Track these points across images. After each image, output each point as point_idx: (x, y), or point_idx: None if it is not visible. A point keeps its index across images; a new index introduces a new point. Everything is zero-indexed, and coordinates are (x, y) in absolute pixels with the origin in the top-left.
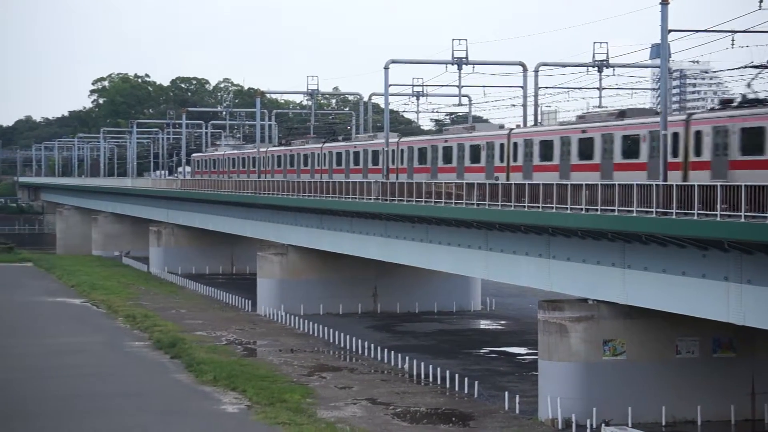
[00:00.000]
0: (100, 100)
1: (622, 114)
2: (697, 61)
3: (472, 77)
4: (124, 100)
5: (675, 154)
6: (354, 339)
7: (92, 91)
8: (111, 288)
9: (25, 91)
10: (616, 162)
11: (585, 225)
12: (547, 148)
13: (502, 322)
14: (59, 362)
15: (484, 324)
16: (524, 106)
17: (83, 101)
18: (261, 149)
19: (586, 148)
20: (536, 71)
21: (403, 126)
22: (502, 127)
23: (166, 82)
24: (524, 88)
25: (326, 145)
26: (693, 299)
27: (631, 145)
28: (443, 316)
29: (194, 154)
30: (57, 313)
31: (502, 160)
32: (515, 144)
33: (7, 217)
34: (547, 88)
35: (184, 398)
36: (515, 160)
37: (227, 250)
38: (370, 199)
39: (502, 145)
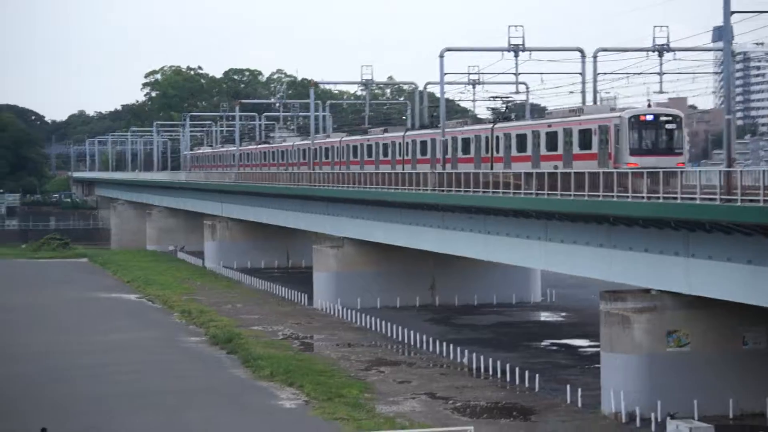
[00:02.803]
0: (153, 94)
1: (580, 110)
2: (762, 43)
3: (529, 64)
4: (177, 92)
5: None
6: (412, 332)
7: (144, 85)
8: (166, 283)
9: (77, 85)
10: (575, 153)
11: (647, 213)
12: (522, 141)
13: (563, 314)
14: (115, 358)
15: (544, 316)
16: (583, 92)
17: (136, 95)
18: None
19: (551, 141)
20: (595, 57)
21: (458, 115)
22: (491, 121)
23: (218, 74)
24: (582, 74)
25: (370, 136)
26: (760, 288)
27: (585, 138)
28: (502, 308)
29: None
30: (112, 309)
31: (487, 151)
32: (497, 137)
33: (61, 213)
34: (606, 74)
35: (241, 394)
36: (497, 151)
37: (282, 243)
38: (426, 190)
39: (487, 138)
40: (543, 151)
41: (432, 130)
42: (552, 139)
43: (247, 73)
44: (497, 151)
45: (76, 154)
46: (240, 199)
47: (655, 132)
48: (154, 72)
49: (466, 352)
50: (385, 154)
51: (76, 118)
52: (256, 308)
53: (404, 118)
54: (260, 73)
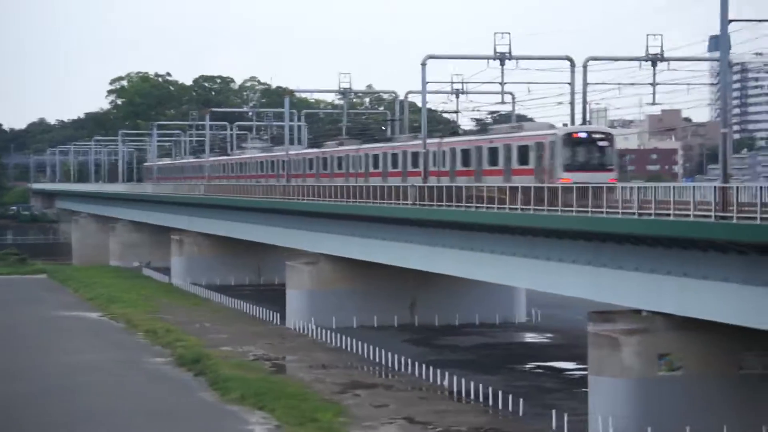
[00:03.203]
0: (118, 101)
1: (519, 127)
2: (761, 54)
3: (515, 73)
4: (144, 100)
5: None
6: (390, 354)
7: (110, 92)
8: (130, 301)
9: (38, 92)
10: (514, 168)
11: (638, 230)
12: (466, 155)
13: (549, 335)
14: (75, 380)
15: (529, 337)
16: (572, 103)
17: (100, 102)
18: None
19: (493, 156)
20: (585, 66)
21: (442, 126)
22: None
23: (188, 81)
24: (572, 84)
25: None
26: (757, 310)
27: (523, 154)
28: (485, 328)
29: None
30: (73, 328)
31: (435, 165)
32: (444, 152)
33: (19, 226)
34: (596, 84)
35: (208, 418)
36: (443, 165)
37: (254, 259)
38: (407, 204)
39: (434, 153)
40: (485, 165)
41: (384, 144)
42: (494, 154)
43: (218, 81)
44: (443, 165)
45: (36, 165)
46: (209, 212)
47: (587, 149)
48: (120, 78)
49: (447, 374)
50: (339, 167)
51: (35, 126)
52: (225, 327)
53: (384, 129)
54: (232, 81)
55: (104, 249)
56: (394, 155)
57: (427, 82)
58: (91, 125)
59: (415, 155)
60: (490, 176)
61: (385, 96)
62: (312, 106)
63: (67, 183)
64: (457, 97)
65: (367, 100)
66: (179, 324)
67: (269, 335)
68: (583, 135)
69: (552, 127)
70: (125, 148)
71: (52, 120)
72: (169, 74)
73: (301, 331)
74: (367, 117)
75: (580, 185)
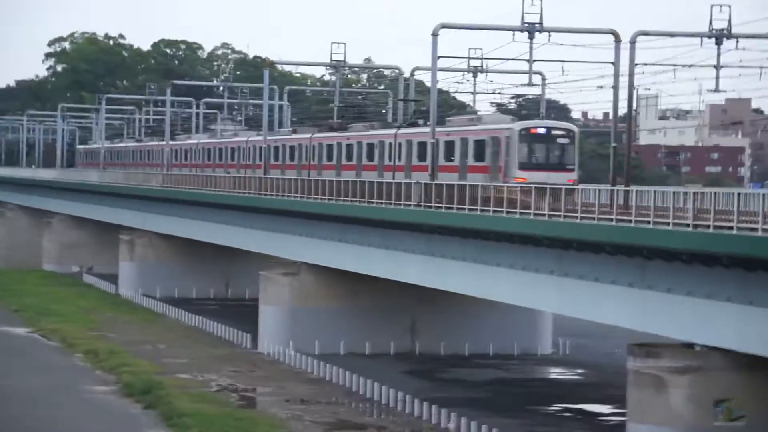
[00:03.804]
0: (59, 67)
1: (478, 120)
2: None
3: (546, 49)
4: (91, 67)
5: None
6: (384, 387)
7: (48, 55)
8: (67, 314)
9: None
10: (470, 164)
11: (692, 246)
12: (422, 149)
13: (580, 371)
14: None
15: (555, 372)
16: (615, 87)
17: (35, 68)
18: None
19: (449, 150)
20: (632, 42)
21: (454, 111)
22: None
23: (146, 46)
24: (616, 64)
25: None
26: None
27: (479, 150)
28: (501, 360)
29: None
30: None
31: (390, 159)
32: (399, 144)
33: None
34: (646, 64)
35: None
36: (399, 159)
37: (221, 267)
38: (409, 205)
39: (390, 144)
40: (441, 160)
41: (339, 132)
42: (450, 148)
43: (182, 47)
44: (399, 159)
45: None
46: (168, 208)
47: (546, 146)
48: (60, 39)
49: (454, 415)
50: (292, 158)
51: None
52: (183, 350)
53: (384, 111)
54: (200, 47)
55: (36, 249)
56: (371, 145)
57: (439, 57)
58: (24, 96)
59: (370, 147)
60: (445, 173)
61: (387, 72)
62: (297, 81)
63: None
64: (475, 76)
65: (364, 76)
66: (127, 344)
67: (237, 361)
68: (542, 131)
69: (513, 120)
70: (66, 125)
71: None
72: (122, 36)
73: (277, 356)
74: (364, 97)
75: (538, 186)
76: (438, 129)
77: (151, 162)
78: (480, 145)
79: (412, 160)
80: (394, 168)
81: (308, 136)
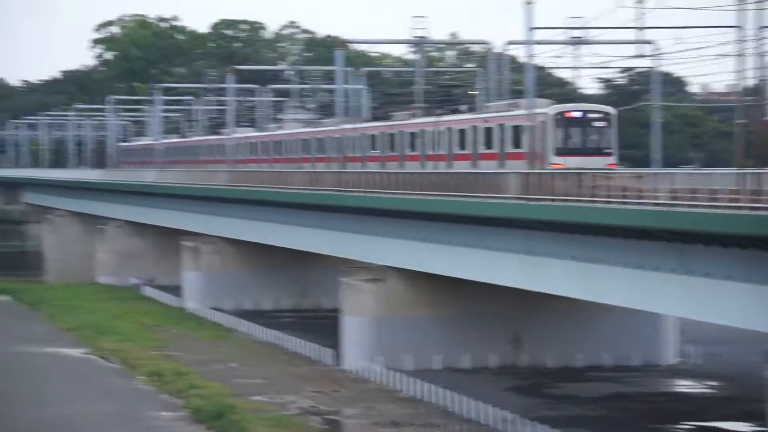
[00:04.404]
0: (107, 55)
1: (515, 105)
2: None
3: (658, 14)
4: (143, 54)
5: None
6: (486, 406)
7: (95, 42)
8: (126, 332)
9: None
10: (507, 151)
11: None
12: (462, 137)
13: (712, 383)
14: None
15: (683, 385)
16: (740, 56)
17: (82, 57)
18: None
19: (488, 137)
20: (759, 1)
21: (554, 89)
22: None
23: (203, 28)
24: (741, 28)
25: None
26: None
27: (517, 136)
28: (620, 372)
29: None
30: (48, 371)
31: (432, 148)
32: (440, 133)
33: None
34: None
35: None
36: (439, 148)
37: (297, 275)
38: (506, 198)
39: (432, 133)
40: (480, 148)
41: (380, 122)
42: (488, 135)
43: (244, 27)
44: (441, 148)
45: None
46: (236, 210)
47: (582, 130)
48: (108, 24)
49: None
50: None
51: None
52: (258, 369)
53: (473, 93)
54: (263, 27)
55: (90, 260)
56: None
57: (534, 29)
58: (70, 89)
59: (412, 136)
60: (485, 161)
61: (476, 48)
62: (375, 62)
63: (37, 168)
64: (576, 48)
65: (450, 54)
66: (194, 364)
67: (318, 380)
68: (578, 114)
69: (552, 105)
70: (118, 119)
71: (14, 81)
72: (176, 18)
73: (363, 374)
74: (451, 78)
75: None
76: (475, 115)
77: (213, 158)
78: (517, 131)
79: (452, 149)
80: (436, 157)
81: (352, 127)
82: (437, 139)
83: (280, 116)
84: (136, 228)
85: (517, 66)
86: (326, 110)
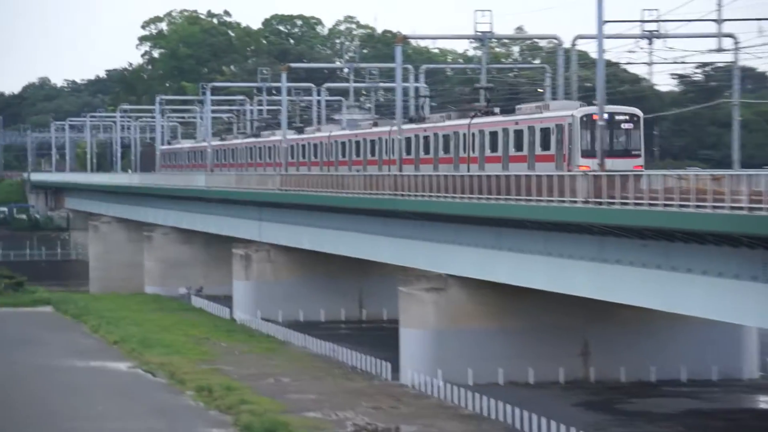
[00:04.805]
0: (155, 53)
1: (545, 107)
2: None
3: (739, 5)
4: (192, 52)
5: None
6: (555, 424)
7: (142, 39)
8: (174, 345)
9: (37, 42)
10: (537, 154)
11: None
12: (494, 139)
13: None
14: None
15: (766, 401)
16: None
17: (129, 55)
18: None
19: (518, 140)
20: None
21: (627, 86)
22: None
23: (255, 24)
24: None
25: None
26: None
27: (545, 138)
28: (697, 387)
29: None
30: (92, 385)
31: (464, 150)
32: (473, 135)
33: (13, 236)
34: None
35: None
36: (473, 151)
37: (353, 284)
38: (575, 202)
39: (464, 135)
40: (511, 150)
41: (416, 124)
42: (519, 137)
43: (298, 23)
44: (473, 151)
45: (36, 146)
46: (288, 215)
47: (609, 132)
48: (156, 20)
49: None
50: (372, 153)
51: (35, 90)
52: (312, 384)
53: (540, 91)
54: (319, 23)
55: (136, 269)
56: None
57: (606, 22)
58: (117, 89)
59: (446, 138)
60: (515, 164)
61: (543, 43)
62: (435, 59)
63: (82, 173)
64: (650, 42)
65: (515, 49)
66: (245, 378)
67: (376, 395)
68: (605, 116)
69: (582, 106)
70: (166, 121)
71: (58, 81)
72: (227, 14)
73: (423, 388)
74: (516, 74)
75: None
76: (506, 118)
77: (262, 161)
78: (545, 133)
79: (485, 152)
80: (469, 160)
81: (387, 129)
82: (470, 142)
83: (336, 116)
84: (184, 235)
85: (587, 62)
86: (384, 110)
